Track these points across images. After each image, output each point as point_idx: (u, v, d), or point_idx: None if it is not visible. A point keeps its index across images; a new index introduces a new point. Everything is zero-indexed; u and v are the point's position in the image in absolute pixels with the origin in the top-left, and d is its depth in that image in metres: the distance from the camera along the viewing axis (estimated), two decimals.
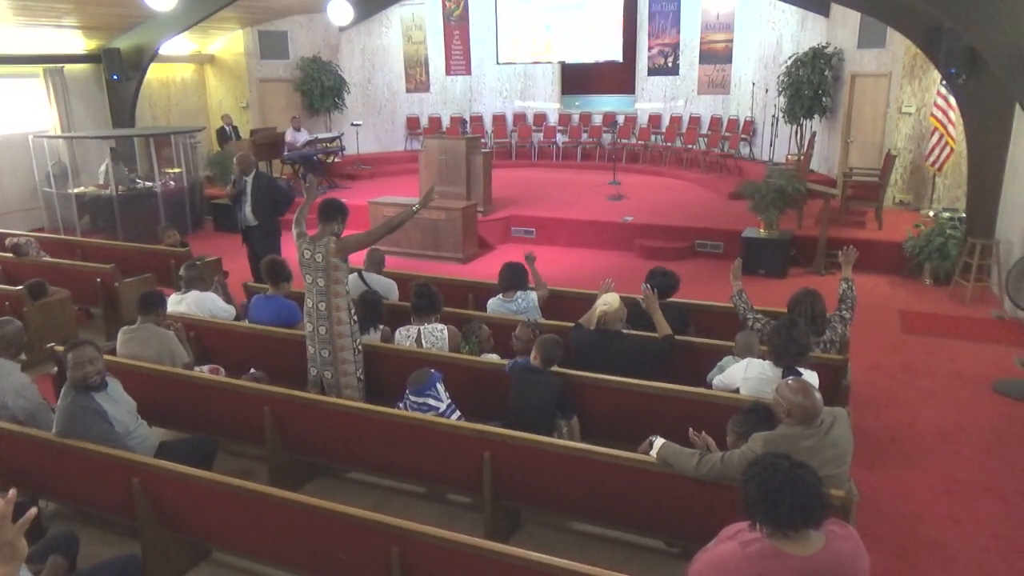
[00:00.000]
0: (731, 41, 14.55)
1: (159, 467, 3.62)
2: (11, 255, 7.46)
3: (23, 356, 4.41)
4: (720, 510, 3.33)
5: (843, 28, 11.79)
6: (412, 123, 16.67)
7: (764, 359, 4.13)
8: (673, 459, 3.37)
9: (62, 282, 6.99)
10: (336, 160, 14.67)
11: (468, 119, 16.21)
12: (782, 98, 12.48)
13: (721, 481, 3.25)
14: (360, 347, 4.78)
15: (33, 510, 1.93)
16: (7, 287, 6.65)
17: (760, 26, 14.05)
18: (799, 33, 13.10)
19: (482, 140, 14.45)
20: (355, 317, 4.73)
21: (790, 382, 3.19)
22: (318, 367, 4.73)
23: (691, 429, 3.50)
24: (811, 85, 11.88)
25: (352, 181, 14.32)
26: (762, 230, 9.27)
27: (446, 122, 16.60)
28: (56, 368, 5.10)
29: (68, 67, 11.89)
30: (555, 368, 4.40)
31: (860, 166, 10.82)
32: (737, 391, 4.15)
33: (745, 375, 4.10)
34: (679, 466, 3.34)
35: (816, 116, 12.26)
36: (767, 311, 5.05)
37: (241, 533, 3.63)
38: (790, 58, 12.35)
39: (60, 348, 5.03)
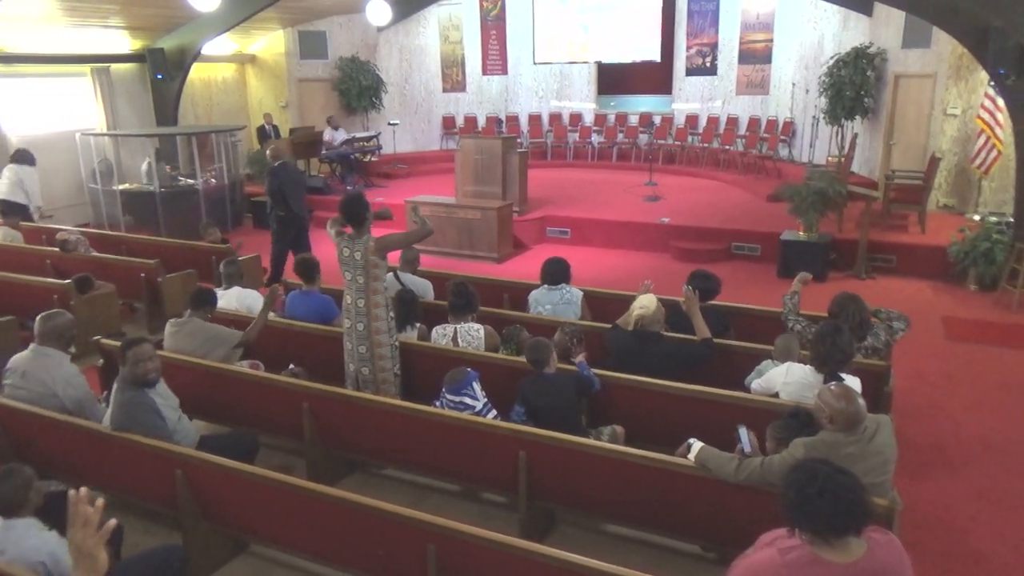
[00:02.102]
0: (771, 41, 14.37)
1: (203, 460, 3.69)
2: (59, 250, 7.65)
3: (72, 348, 4.52)
4: (759, 516, 3.28)
5: (887, 28, 11.57)
6: (448, 123, 16.75)
7: (804, 364, 4.07)
8: (711, 463, 3.34)
9: (108, 277, 7.16)
10: (373, 159, 14.80)
11: (504, 119, 16.25)
12: (823, 99, 12.29)
13: (760, 487, 3.21)
14: (396, 343, 4.82)
15: (112, 521, 1.90)
16: (56, 280, 6.83)
17: (801, 26, 13.86)
18: (841, 33, 12.89)
19: (518, 140, 14.46)
20: (392, 314, 4.77)
21: (833, 387, 3.14)
22: (355, 363, 4.77)
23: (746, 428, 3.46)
24: (853, 86, 11.67)
25: (389, 180, 14.44)
26: (801, 233, 9.14)
27: (482, 122, 16.65)
28: (102, 361, 5.23)
29: (114, 66, 12.18)
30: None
31: (903, 169, 10.59)
32: (776, 396, 4.10)
33: (785, 380, 4.05)
34: (717, 470, 3.31)
35: (858, 117, 12.05)
36: (808, 315, 4.97)
37: (280, 527, 3.68)
38: (832, 58, 12.15)
39: (107, 341, 5.18)
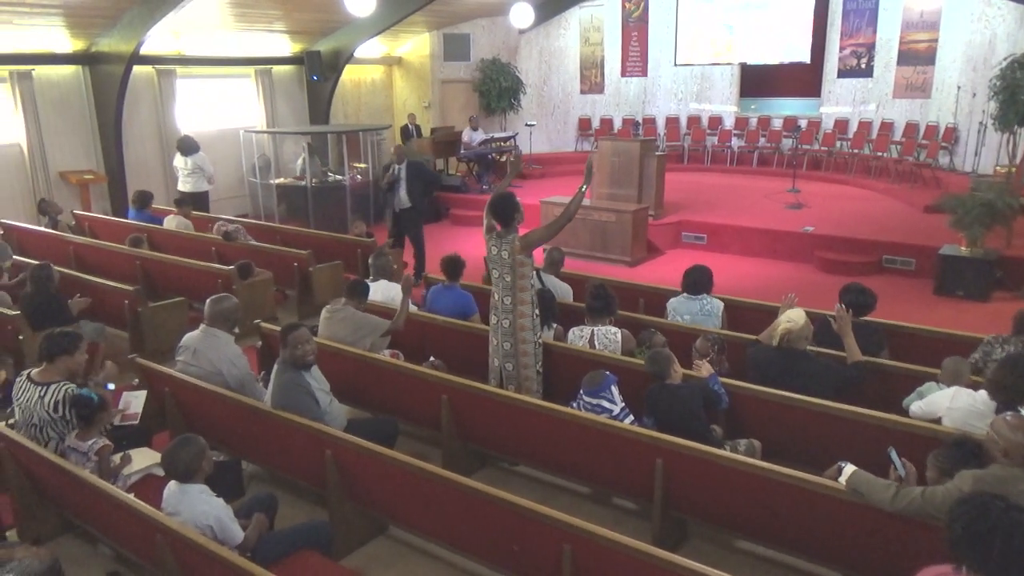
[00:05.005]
0: (935, 41, 13.39)
1: (351, 442, 3.88)
2: (223, 239, 8.27)
3: (236, 330, 4.88)
4: (914, 549, 3.10)
5: None
6: (584, 124, 16.76)
7: (975, 389, 3.77)
8: (865, 488, 3.15)
9: (264, 264, 7.67)
10: (510, 159, 15.02)
11: (640, 121, 16.05)
12: (993, 103, 11.32)
13: (918, 518, 3.01)
14: (540, 341, 4.88)
15: None
16: (220, 266, 7.39)
17: (970, 24, 12.83)
18: (1017, 32, 11.82)
19: (655, 143, 14.26)
20: (538, 311, 4.83)
21: (1009, 418, 2.90)
22: (500, 358, 4.86)
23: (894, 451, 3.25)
24: None
25: (524, 180, 14.59)
26: (963, 247, 8.46)
27: (618, 124, 16.54)
28: (260, 343, 5.62)
29: (275, 68, 13.04)
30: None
31: None
32: (938, 421, 3.82)
33: (951, 405, 3.77)
34: (871, 497, 3.13)
35: None
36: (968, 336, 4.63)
37: (419, 512, 3.82)
38: (1005, 59, 11.16)
39: (266, 325, 5.56)
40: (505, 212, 4.70)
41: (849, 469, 3.23)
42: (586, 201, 10.57)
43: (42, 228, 8.96)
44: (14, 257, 7.39)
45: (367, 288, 5.48)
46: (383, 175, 9.09)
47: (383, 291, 6.05)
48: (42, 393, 4.04)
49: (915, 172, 12.77)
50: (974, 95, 12.38)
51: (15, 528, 4.09)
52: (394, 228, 9.11)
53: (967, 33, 12.85)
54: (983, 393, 3.70)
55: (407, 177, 8.85)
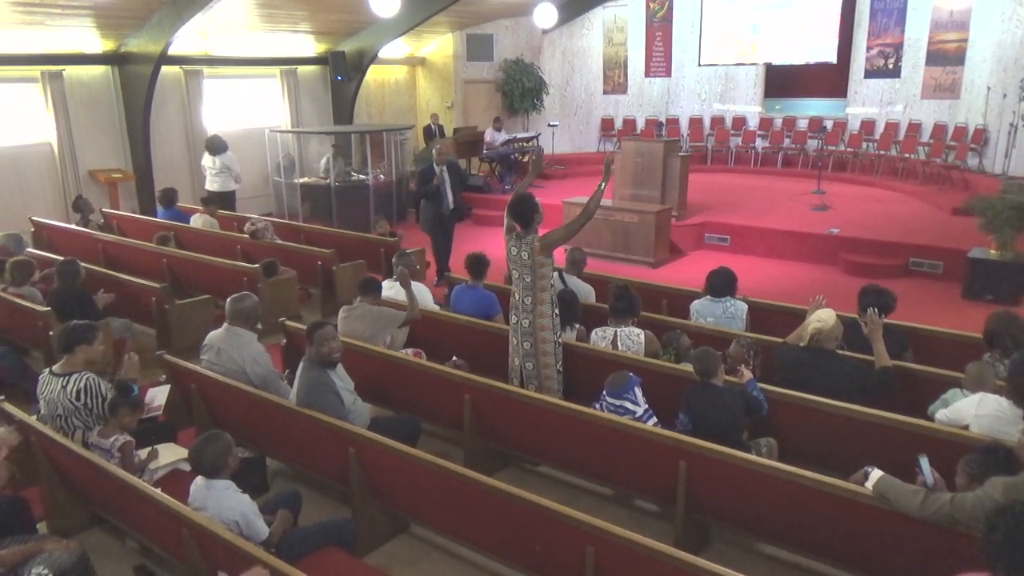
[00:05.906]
0: (965, 41, 13.19)
1: (374, 440, 3.90)
2: (248, 237, 8.34)
3: (259, 327, 4.92)
4: (941, 555, 3.07)
5: None
6: (607, 124, 16.72)
7: (1000, 395, 3.71)
8: (892, 494, 3.12)
9: (289, 263, 7.73)
10: (531, 158, 15.01)
11: (664, 121, 15.97)
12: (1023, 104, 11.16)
13: (946, 525, 2.97)
14: (560, 340, 4.88)
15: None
16: (246, 264, 7.46)
17: (1001, 24, 12.61)
18: None
19: (679, 143, 14.19)
20: (557, 311, 4.83)
21: None
22: (520, 358, 4.86)
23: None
24: None
25: (546, 181, 14.58)
26: (993, 251, 8.33)
27: (641, 124, 16.48)
28: (285, 341, 5.66)
29: (300, 68, 13.14)
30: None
31: None
32: (965, 428, 3.77)
33: (977, 411, 3.71)
34: (899, 503, 3.09)
35: None
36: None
37: (441, 511, 3.83)
38: None
39: (291, 323, 5.60)
40: (524, 213, 4.71)
41: (876, 474, 3.20)
42: (608, 202, 10.67)
43: (72, 226, 9.10)
44: (46, 255, 7.52)
45: (378, 284, 5.53)
46: (420, 179, 8.75)
47: None
48: (64, 383, 4.16)
49: (943, 174, 12.60)
50: (1005, 96, 12.20)
51: (45, 521, 4.16)
52: (444, 232, 8.86)
53: (998, 33, 12.65)
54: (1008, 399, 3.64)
55: (450, 178, 8.71)
